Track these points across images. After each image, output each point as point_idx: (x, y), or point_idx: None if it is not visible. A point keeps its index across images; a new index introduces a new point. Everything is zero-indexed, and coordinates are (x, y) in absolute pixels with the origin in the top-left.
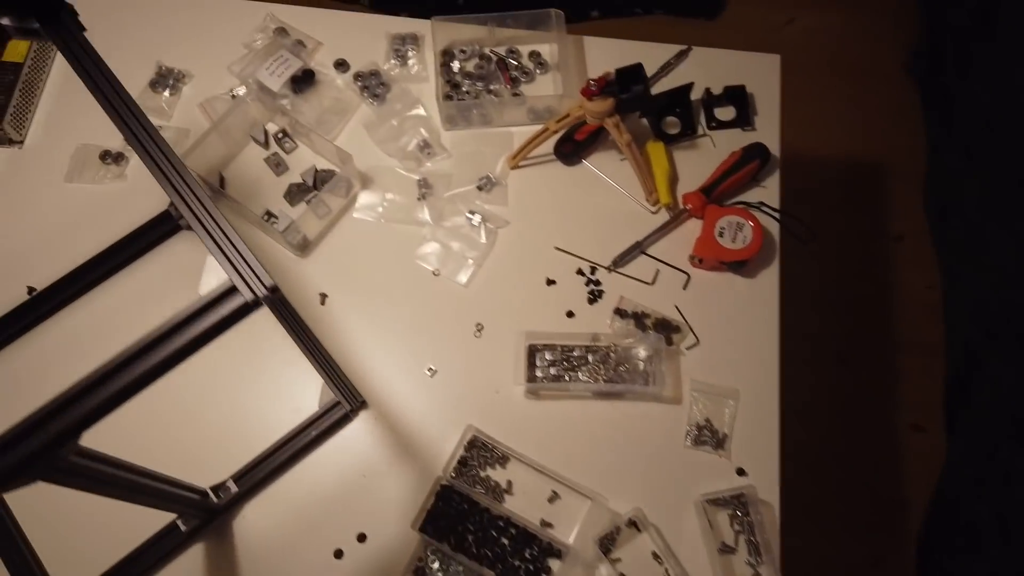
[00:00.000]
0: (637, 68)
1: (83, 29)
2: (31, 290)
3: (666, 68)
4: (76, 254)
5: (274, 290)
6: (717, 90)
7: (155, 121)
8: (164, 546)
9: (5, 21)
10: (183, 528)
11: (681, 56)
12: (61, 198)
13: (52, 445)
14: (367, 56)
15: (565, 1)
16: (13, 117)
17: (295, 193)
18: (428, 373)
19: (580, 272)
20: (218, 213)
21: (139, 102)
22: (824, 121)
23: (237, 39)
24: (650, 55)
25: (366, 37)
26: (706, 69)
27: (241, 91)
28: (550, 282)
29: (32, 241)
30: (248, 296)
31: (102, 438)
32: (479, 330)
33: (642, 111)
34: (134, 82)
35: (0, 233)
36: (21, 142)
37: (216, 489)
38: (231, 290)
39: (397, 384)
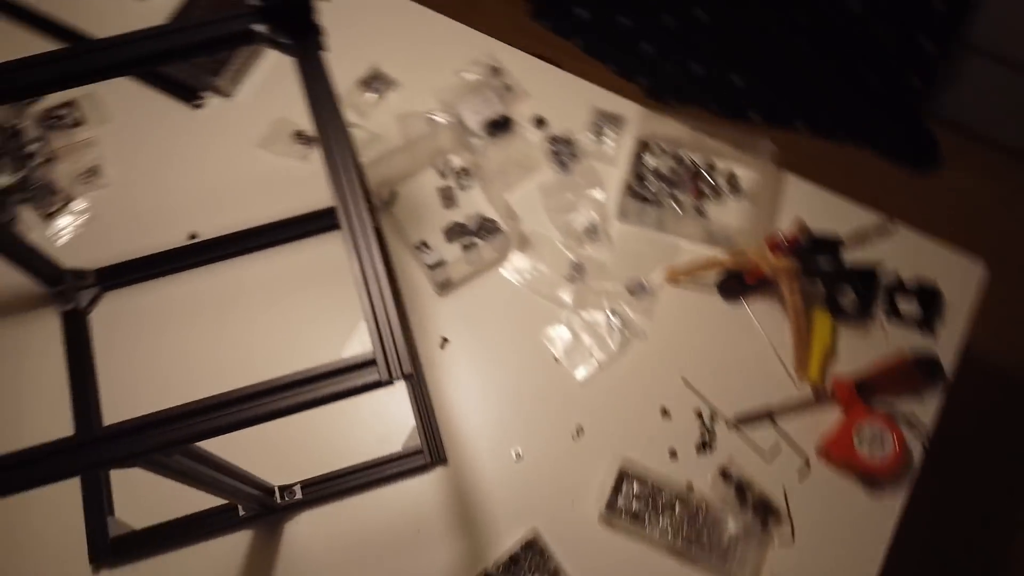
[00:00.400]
0: (835, 244)
1: (324, 49)
2: (192, 236)
3: (862, 239)
4: (241, 216)
5: (409, 376)
6: (907, 274)
7: (353, 118)
8: (218, 522)
9: (260, 28)
10: (241, 513)
11: (881, 231)
12: (247, 160)
13: (166, 446)
14: (567, 121)
15: (775, 105)
16: (232, 72)
17: (455, 232)
18: (513, 456)
19: (699, 414)
20: (379, 261)
21: (344, 95)
22: None
23: (452, 65)
24: (848, 216)
25: (572, 102)
26: (902, 248)
27: (439, 117)
28: (664, 412)
29: (208, 190)
30: (384, 377)
31: None
32: (578, 433)
33: (822, 281)
34: (346, 76)
35: (182, 174)
36: (230, 97)
37: (283, 489)
38: (369, 362)
39: (481, 454)
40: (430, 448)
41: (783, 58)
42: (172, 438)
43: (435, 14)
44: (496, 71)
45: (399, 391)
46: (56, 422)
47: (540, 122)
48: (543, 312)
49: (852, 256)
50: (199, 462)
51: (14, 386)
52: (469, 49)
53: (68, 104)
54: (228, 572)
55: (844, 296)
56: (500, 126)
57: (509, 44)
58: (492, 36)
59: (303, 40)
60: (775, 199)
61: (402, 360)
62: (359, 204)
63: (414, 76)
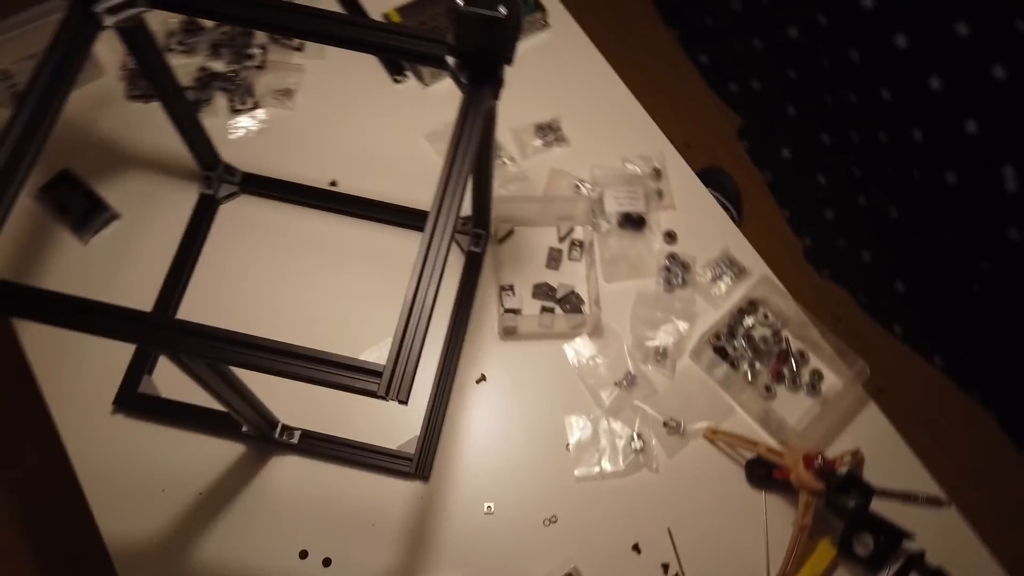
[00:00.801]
0: (868, 491)
1: (496, 99)
2: (332, 183)
3: (909, 499)
4: (379, 187)
5: (403, 402)
6: (933, 559)
7: (513, 152)
8: (224, 426)
9: (451, 61)
10: (243, 429)
11: (933, 503)
12: (409, 144)
13: (200, 355)
14: (695, 248)
15: (925, 329)
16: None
17: (541, 292)
18: (485, 508)
19: (665, 569)
20: (434, 286)
21: (517, 130)
22: None
23: (621, 150)
24: (910, 474)
25: (710, 235)
26: (944, 532)
27: (585, 188)
28: (636, 548)
29: (364, 153)
30: (379, 392)
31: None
32: (550, 521)
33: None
34: (528, 114)
35: (353, 129)
36: (427, 86)
37: (285, 428)
38: (377, 372)
39: (459, 490)
40: (419, 461)
41: (957, 289)
42: (207, 353)
43: (634, 100)
44: (657, 174)
45: (419, 401)
46: (149, 285)
47: (670, 236)
48: (579, 399)
49: (889, 510)
50: (224, 381)
51: (135, 239)
52: (645, 143)
53: None
54: (210, 469)
55: (861, 543)
56: (632, 223)
57: (691, 165)
58: (678, 140)
59: (480, 87)
60: (844, 420)
61: (403, 385)
62: (447, 230)
63: (584, 142)
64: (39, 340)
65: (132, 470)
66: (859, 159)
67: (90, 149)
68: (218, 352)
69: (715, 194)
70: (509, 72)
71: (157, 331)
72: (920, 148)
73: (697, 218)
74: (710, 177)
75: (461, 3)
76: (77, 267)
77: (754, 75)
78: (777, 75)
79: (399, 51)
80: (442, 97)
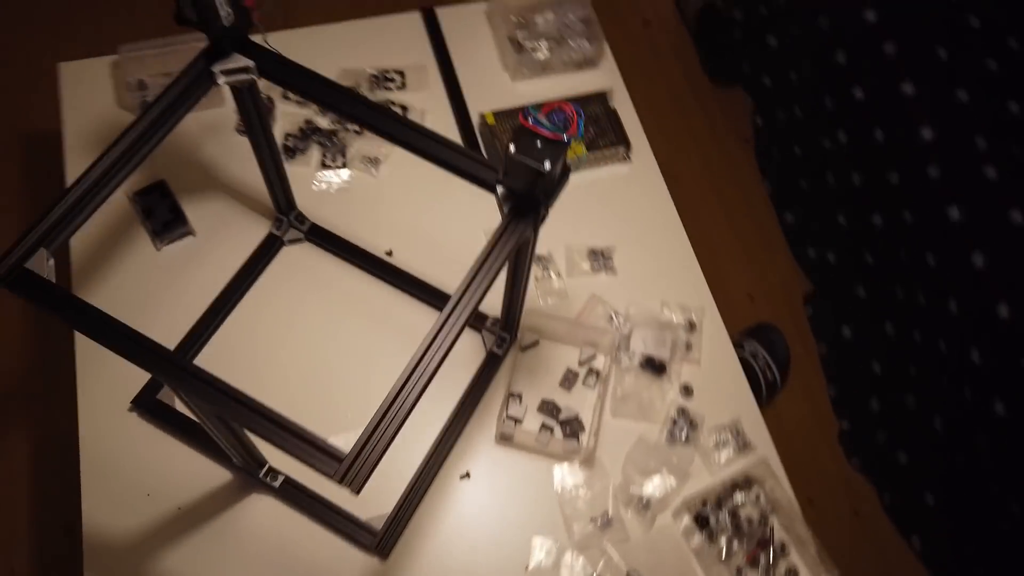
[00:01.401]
0: None
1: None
2: (388, 252)
3: None
4: (430, 269)
5: (355, 493)
6: None
7: (561, 267)
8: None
9: (500, 191)
10: (234, 461)
11: None
12: (471, 235)
13: (206, 403)
14: (708, 409)
15: None
16: None
17: (546, 408)
18: None
19: None
20: (420, 385)
21: (571, 247)
22: None
23: (663, 295)
24: None
25: (729, 401)
26: None
27: (617, 320)
28: None
29: (428, 232)
30: (335, 477)
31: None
32: None
33: None
34: (586, 236)
35: (424, 209)
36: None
37: (270, 471)
38: (336, 456)
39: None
40: (382, 539)
41: (991, 518)
42: (202, 398)
43: (690, 250)
44: (691, 327)
45: (399, 481)
46: (200, 301)
47: (687, 390)
48: (552, 523)
49: None
50: (220, 421)
51: (201, 257)
52: (689, 294)
53: (403, 108)
54: (195, 487)
55: None
56: (653, 367)
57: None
58: (742, 289)
59: (518, 220)
60: None
61: (359, 477)
62: (450, 334)
63: (630, 277)
64: None
65: (128, 467)
66: (916, 359)
67: (188, 167)
68: (209, 398)
69: (750, 358)
70: (579, 194)
71: (169, 368)
72: (976, 371)
73: (718, 381)
74: (763, 334)
75: (512, 149)
76: (144, 269)
77: (832, 248)
78: (854, 255)
79: (456, 168)
80: None
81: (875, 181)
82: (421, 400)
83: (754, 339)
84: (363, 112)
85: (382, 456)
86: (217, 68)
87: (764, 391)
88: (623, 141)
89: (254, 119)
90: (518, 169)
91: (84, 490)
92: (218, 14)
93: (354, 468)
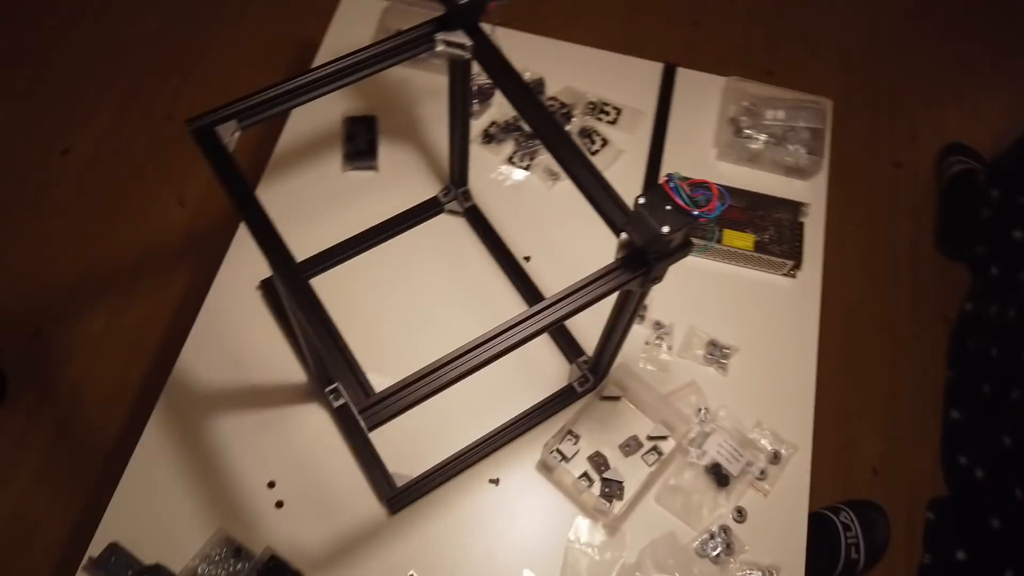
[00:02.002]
0: None
1: (645, 291)
2: (527, 258)
3: None
4: (565, 282)
5: None
6: None
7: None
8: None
9: (622, 235)
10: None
11: None
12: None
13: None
14: (753, 539)
15: None
16: None
17: (595, 462)
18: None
19: None
20: None
21: (691, 331)
22: None
23: (769, 416)
24: None
25: (776, 543)
26: None
27: (703, 418)
28: None
29: (573, 249)
30: None
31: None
32: None
33: None
34: (713, 327)
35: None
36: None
37: (333, 391)
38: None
39: (409, 555)
40: (396, 497)
41: None
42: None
43: (812, 390)
44: (776, 458)
45: (429, 459)
46: (347, 229)
47: (740, 512)
48: (548, 566)
49: None
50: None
51: (372, 194)
52: (792, 429)
53: (604, 141)
54: (277, 377)
55: None
56: (717, 476)
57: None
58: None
59: (626, 266)
60: None
61: (377, 417)
62: (519, 333)
63: (738, 383)
64: None
65: (233, 335)
66: None
67: (400, 114)
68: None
69: (841, 528)
70: (727, 285)
71: (279, 264)
72: None
73: (777, 522)
74: (867, 511)
75: (641, 200)
76: (324, 181)
77: (984, 466)
78: (1003, 483)
79: (590, 195)
80: None
81: None
82: (483, 392)
83: (855, 512)
84: (534, 111)
85: (406, 408)
86: (440, 36)
87: (841, 566)
88: (795, 257)
89: (457, 94)
90: (638, 220)
91: (190, 338)
92: None
93: (377, 408)
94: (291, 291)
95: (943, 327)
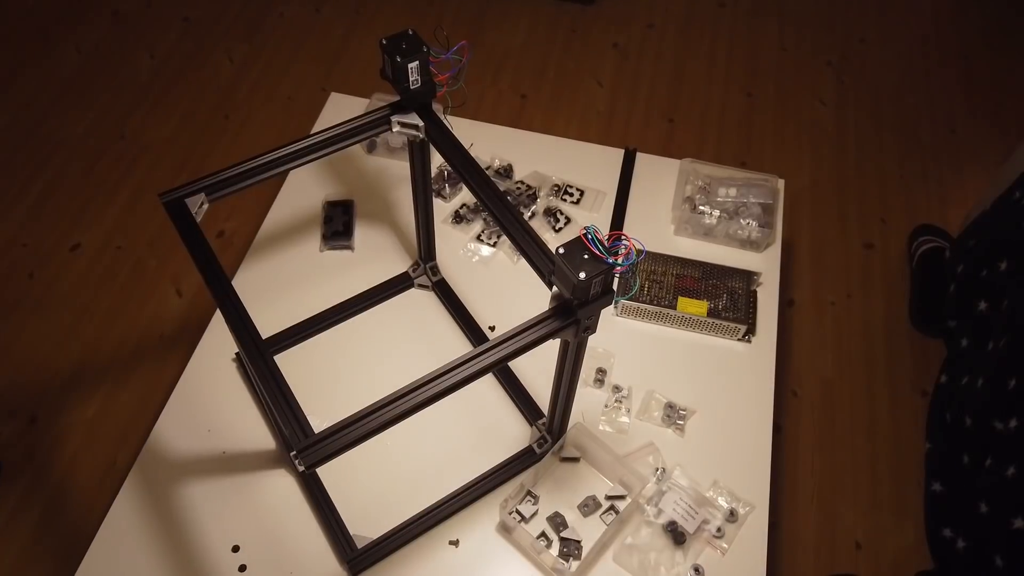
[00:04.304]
0: None
1: (582, 337)
2: (491, 327)
3: None
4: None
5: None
6: None
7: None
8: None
9: (558, 324)
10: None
11: None
12: None
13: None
14: None
15: None
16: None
17: (555, 522)
18: None
19: None
20: None
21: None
22: None
23: (726, 476)
24: None
25: None
26: None
27: (659, 477)
28: None
29: None
30: None
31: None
32: None
33: None
34: (671, 390)
35: None
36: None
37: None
38: None
39: None
40: (357, 558)
41: None
42: (261, 376)
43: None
44: (732, 516)
45: (391, 520)
46: (322, 303)
47: (697, 572)
48: None
49: None
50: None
51: (347, 271)
52: (748, 488)
53: (568, 219)
54: (247, 443)
55: None
56: (674, 534)
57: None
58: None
59: (559, 317)
60: None
61: (312, 457)
62: (449, 380)
63: (694, 445)
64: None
65: (207, 404)
66: None
67: (375, 199)
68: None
69: None
70: (682, 350)
71: (254, 352)
72: None
73: None
74: None
75: (561, 251)
76: (302, 259)
77: (966, 537)
78: (985, 552)
79: (521, 248)
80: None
81: None
82: (445, 454)
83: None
84: (476, 178)
85: (344, 449)
86: (395, 118)
87: None
88: (747, 323)
89: (418, 173)
90: (560, 271)
91: (165, 409)
92: (408, 78)
93: (315, 448)
94: (239, 336)
95: (921, 400)
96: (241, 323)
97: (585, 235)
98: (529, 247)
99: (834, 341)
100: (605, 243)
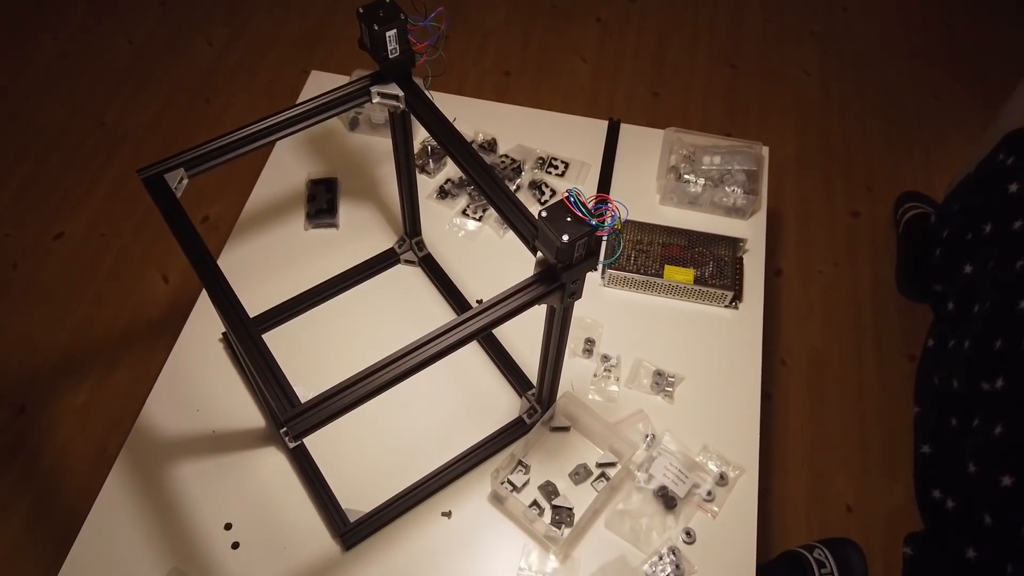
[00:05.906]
0: None
1: (568, 304)
2: (479, 301)
3: None
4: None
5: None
6: None
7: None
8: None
9: (544, 289)
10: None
11: None
12: None
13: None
14: (703, 561)
15: None
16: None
17: (546, 490)
18: None
19: None
20: None
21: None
22: None
23: (716, 440)
24: None
25: (727, 562)
26: None
27: (649, 443)
28: None
29: None
30: None
31: None
32: None
33: None
34: (659, 357)
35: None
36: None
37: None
38: None
39: None
40: (349, 532)
41: None
42: (244, 345)
43: (758, 416)
44: (722, 479)
45: (382, 493)
46: (309, 278)
47: (688, 535)
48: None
49: None
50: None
51: (333, 250)
52: (738, 453)
53: (553, 192)
54: (236, 422)
55: None
56: (665, 499)
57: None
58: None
59: (544, 282)
60: None
61: (298, 427)
62: (436, 346)
63: (684, 411)
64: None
65: (195, 385)
66: None
67: (359, 176)
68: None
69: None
70: (670, 317)
71: (241, 327)
72: None
73: (726, 542)
74: (842, 548)
75: (544, 214)
76: (287, 238)
77: (954, 497)
78: (975, 511)
79: (505, 216)
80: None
81: (1018, 436)
82: (437, 427)
83: (830, 549)
84: (458, 147)
85: (331, 418)
86: (375, 89)
87: None
88: (734, 289)
89: (400, 146)
90: (543, 234)
91: (153, 391)
92: (387, 47)
93: (302, 417)
94: (223, 310)
95: (909, 365)
96: (225, 297)
97: (568, 198)
98: (511, 212)
99: (822, 309)
100: (588, 206)
